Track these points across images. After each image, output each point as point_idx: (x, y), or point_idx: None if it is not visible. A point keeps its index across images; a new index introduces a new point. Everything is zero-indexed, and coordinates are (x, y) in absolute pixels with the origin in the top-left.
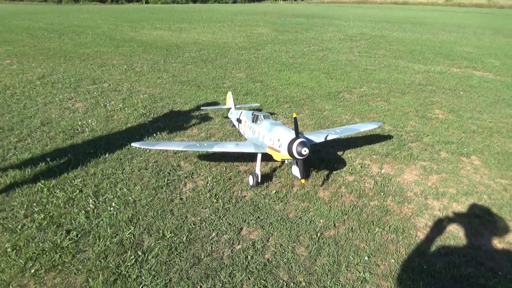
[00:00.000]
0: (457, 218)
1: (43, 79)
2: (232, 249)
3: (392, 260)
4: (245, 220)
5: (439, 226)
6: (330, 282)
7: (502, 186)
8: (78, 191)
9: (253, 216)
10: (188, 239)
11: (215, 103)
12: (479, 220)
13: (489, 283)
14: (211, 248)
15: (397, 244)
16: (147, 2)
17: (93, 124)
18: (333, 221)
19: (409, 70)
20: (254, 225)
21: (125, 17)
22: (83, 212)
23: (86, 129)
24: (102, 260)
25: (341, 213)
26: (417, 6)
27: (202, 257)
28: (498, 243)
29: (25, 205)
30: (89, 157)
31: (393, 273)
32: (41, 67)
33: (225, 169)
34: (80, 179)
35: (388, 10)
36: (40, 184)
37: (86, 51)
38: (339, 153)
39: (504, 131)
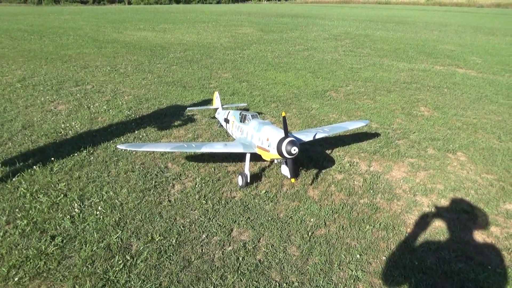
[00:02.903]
0: (446, 214)
1: (23, 82)
2: (223, 251)
3: (384, 258)
4: (235, 221)
5: (428, 222)
6: (322, 282)
7: (488, 181)
8: (62, 195)
9: (243, 216)
10: (177, 242)
11: (202, 104)
12: (467, 215)
13: (480, 277)
14: (202, 250)
15: (387, 241)
16: (129, 3)
17: (76, 126)
18: (324, 220)
19: (394, 69)
20: (245, 225)
21: (108, 18)
22: (68, 217)
23: (70, 132)
24: (89, 266)
25: (331, 211)
26: (399, 5)
27: (193, 259)
28: (486, 238)
29: (7, 211)
30: (73, 160)
31: (385, 270)
32: (21, 69)
33: (214, 170)
34: (64, 183)
35: (371, 10)
36: (22, 189)
37: (68, 52)
38: (328, 151)
39: (488, 127)
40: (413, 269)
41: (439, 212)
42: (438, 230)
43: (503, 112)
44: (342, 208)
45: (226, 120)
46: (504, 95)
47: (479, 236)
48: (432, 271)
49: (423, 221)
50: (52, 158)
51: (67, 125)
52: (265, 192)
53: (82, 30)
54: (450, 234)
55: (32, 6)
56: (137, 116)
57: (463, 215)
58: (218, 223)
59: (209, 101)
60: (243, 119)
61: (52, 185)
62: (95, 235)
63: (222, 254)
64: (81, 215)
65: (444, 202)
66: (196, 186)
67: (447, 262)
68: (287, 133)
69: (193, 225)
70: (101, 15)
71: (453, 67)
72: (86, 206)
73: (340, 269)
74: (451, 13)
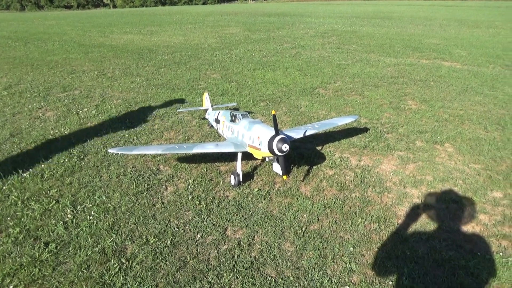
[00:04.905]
0: (436, 204)
1: (9, 89)
2: (218, 250)
3: (377, 249)
4: (229, 220)
5: (419, 213)
6: (317, 275)
7: (476, 170)
8: (54, 202)
9: (237, 215)
10: (172, 243)
11: (191, 105)
12: (456, 204)
13: (470, 264)
14: (197, 250)
15: (380, 233)
16: (114, 7)
17: (66, 132)
18: (317, 215)
19: (381, 64)
20: (239, 224)
21: (93, 22)
22: (61, 223)
23: (59, 138)
24: (85, 271)
25: (324, 206)
26: (385, 1)
27: (188, 260)
28: (475, 225)
29: None
30: (64, 166)
31: (378, 261)
32: (6, 76)
33: (206, 170)
34: (56, 190)
35: (357, 6)
36: (13, 197)
37: (54, 58)
38: (318, 148)
39: (474, 118)
40: (405, 259)
41: (429, 203)
42: (428, 220)
43: (488, 103)
44: (334, 202)
45: (217, 121)
46: (489, 86)
47: (468, 224)
48: (424, 260)
49: (414, 212)
50: (43, 165)
51: (56, 131)
52: (258, 190)
53: (67, 35)
54: (440, 223)
55: (15, 13)
56: (127, 120)
57: (452, 204)
58: (212, 223)
59: (199, 103)
60: (233, 119)
61: (44, 192)
62: (89, 240)
63: (217, 253)
64: (74, 220)
65: (434, 193)
66: (189, 187)
67: (438, 251)
68: (277, 131)
69: (188, 225)
70: (86, 20)
71: (438, 60)
72: (79, 212)
73: (334, 262)
74: (436, 7)
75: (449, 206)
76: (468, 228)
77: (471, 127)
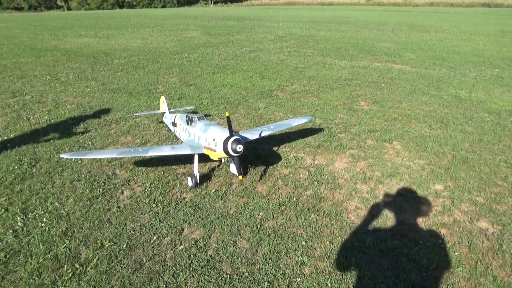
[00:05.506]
0: (383, 197)
1: None
2: (174, 250)
3: (327, 242)
4: (186, 221)
5: (367, 207)
6: (271, 269)
7: (420, 166)
8: (3, 210)
9: (193, 216)
10: (128, 246)
11: (148, 109)
12: (402, 198)
13: (412, 251)
14: (153, 251)
15: (331, 227)
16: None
17: (15, 139)
18: (272, 212)
19: (336, 67)
20: (195, 224)
21: (46, 25)
22: (11, 231)
23: (8, 144)
24: (36, 278)
25: (279, 204)
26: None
27: (144, 261)
28: (418, 216)
29: None
30: (13, 174)
31: (328, 253)
32: None
33: (163, 173)
34: (5, 198)
35: (315, 11)
36: None
37: (3, 62)
38: (275, 148)
39: (421, 117)
40: (354, 249)
41: (377, 197)
42: (376, 213)
43: (433, 103)
44: (289, 200)
45: (174, 124)
46: (434, 87)
47: (412, 215)
48: (371, 250)
49: (363, 206)
50: None
51: (5, 138)
52: (215, 191)
53: (17, 39)
54: (387, 216)
55: None
56: (82, 125)
57: (398, 197)
58: (169, 224)
59: (156, 106)
60: (189, 122)
61: None
62: (41, 247)
63: (174, 254)
64: (25, 228)
65: (382, 188)
66: (146, 190)
67: (384, 240)
68: (231, 132)
69: (144, 228)
70: (38, 22)
71: (390, 63)
72: (30, 219)
73: (287, 256)
74: (388, 12)
75: (395, 199)
76: (411, 218)
77: (417, 125)
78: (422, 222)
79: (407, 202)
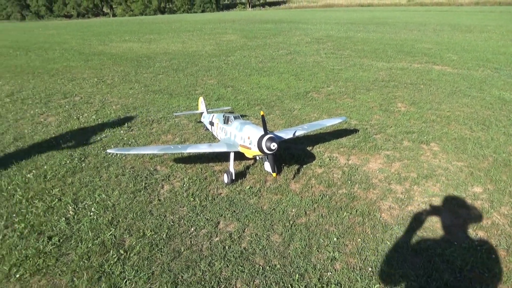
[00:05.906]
0: (418, 198)
1: (12, 96)
2: (210, 241)
3: (359, 240)
4: (222, 215)
5: (401, 207)
6: (302, 263)
7: (458, 167)
8: (57, 200)
9: (229, 210)
10: (168, 236)
11: (187, 109)
12: (437, 199)
13: (446, 252)
14: (191, 242)
15: (363, 225)
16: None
17: (67, 136)
18: (304, 209)
19: (373, 68)
20: (230, 218)
21: (93, 31)
22: (64, 219)
23: (61, 141)
24: (86, 261)
25: (311, 202)
26: (381, 7)
27: (182, 250)
28: (454, 218)
29: (5, 217)
30: (65, 168)
31: (360, 250)
32: (9, 84)
33: (201, 169)
34: (58, 189)
35: (353, 12)
36: (18, 196)
37: (55, 66)
38: (309, 148)
39: (461, 119)
40: (386, 248)
41: (412, 197)
42: (410, 213)
43: (475, 105)
44: (322, 198)
45: (211, 123)
46: (476, 88)
47: (447, 216)
48: (403, 249)
49: (397, 206)
50: (45, 167)
51: (58, 135)
52: (249, 188)
53: (67, 44)
54: (421, 216)
55: (15, 22)
56: (126, 124)
57: (433, 198)
58: (205, 217)
59: (195, 107)
60: (226, 121)
61: (47, 191)
62: (90, 234)
63: (210, 244)
64: (75, 216)
65: (417, 188)
66: (184, 185)
67: (417, 240)
68: (266, 131)
69: (182, 220)
70: (86, 29)
71: (430, 64)
72: (80, 209)
73: (318, 251)
74: (431, 12)
75: (431, 200)
76: (447, 220)
77: (457, 127)
78: (457, 224)
79: (443, 203)
